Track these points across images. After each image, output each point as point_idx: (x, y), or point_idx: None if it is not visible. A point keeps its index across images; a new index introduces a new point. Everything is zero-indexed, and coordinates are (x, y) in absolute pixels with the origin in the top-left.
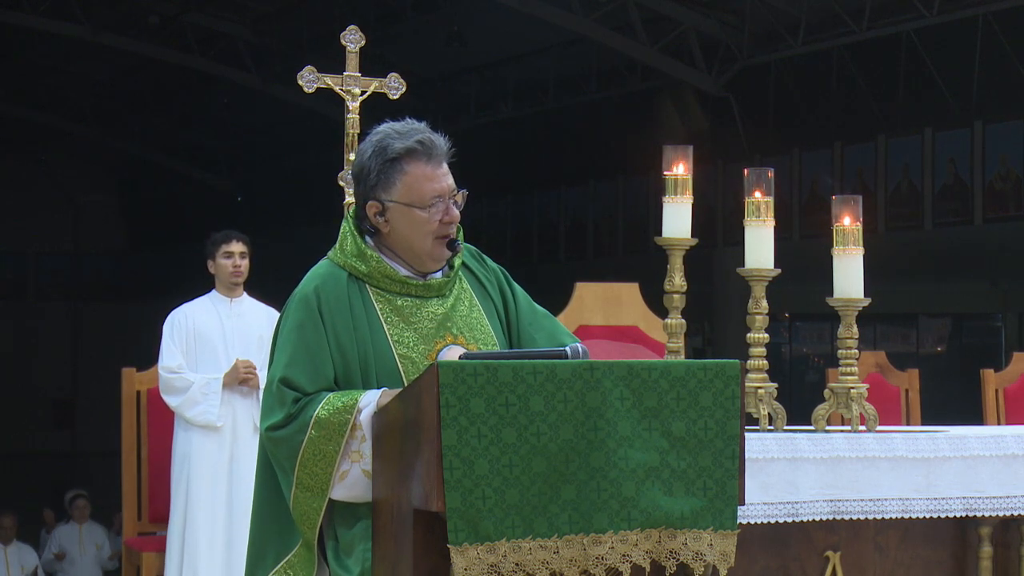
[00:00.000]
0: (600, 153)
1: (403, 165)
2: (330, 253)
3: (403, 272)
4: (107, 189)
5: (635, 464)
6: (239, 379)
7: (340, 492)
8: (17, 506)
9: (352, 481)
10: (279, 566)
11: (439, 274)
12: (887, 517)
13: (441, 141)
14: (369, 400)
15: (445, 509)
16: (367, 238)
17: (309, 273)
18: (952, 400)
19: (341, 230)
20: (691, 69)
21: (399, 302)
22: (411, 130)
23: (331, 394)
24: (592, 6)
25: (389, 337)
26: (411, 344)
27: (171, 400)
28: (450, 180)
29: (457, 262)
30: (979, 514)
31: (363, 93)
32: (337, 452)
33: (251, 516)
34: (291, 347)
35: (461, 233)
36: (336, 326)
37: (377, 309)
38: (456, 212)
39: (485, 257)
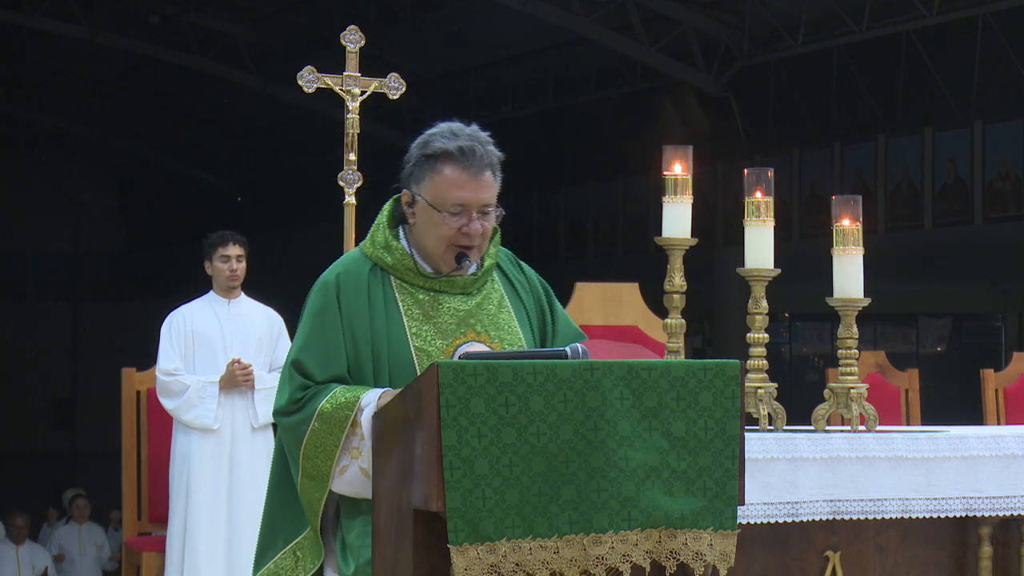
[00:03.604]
0: (600, 153)
1: (436, 164)
2: (362, 243)
3: (428, 268)
4: (107, 189)
5: (635, 464)
6: (235, 384)
7: (340, 486)
8: (18, 506)
9: (350, 477)
10: (288, 548)
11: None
12: (887, 517)
13: (487, 153)
14: (371, 399)
15: (445, 509)
16: (400, 229)
17: (337, 260)
18: (952, 400)
19: (376, 221)
20: (691, 69)
21: (421, 296)
22: (463, 135)
23: (338, 388)
24: (592, 6)
25: (407, 329)
26: (429, 338)
27: (168, 403)
28: (486, 194)
29: (488, 262)
30: (979, 514)
31: (363, 93)
32: (337, 446)
33: (265, 498)
34: (307, 331)
35: (498, 235)
36: (351, 314)
37: (398, 301)
38: (477, 227)
39: (524, 265)
